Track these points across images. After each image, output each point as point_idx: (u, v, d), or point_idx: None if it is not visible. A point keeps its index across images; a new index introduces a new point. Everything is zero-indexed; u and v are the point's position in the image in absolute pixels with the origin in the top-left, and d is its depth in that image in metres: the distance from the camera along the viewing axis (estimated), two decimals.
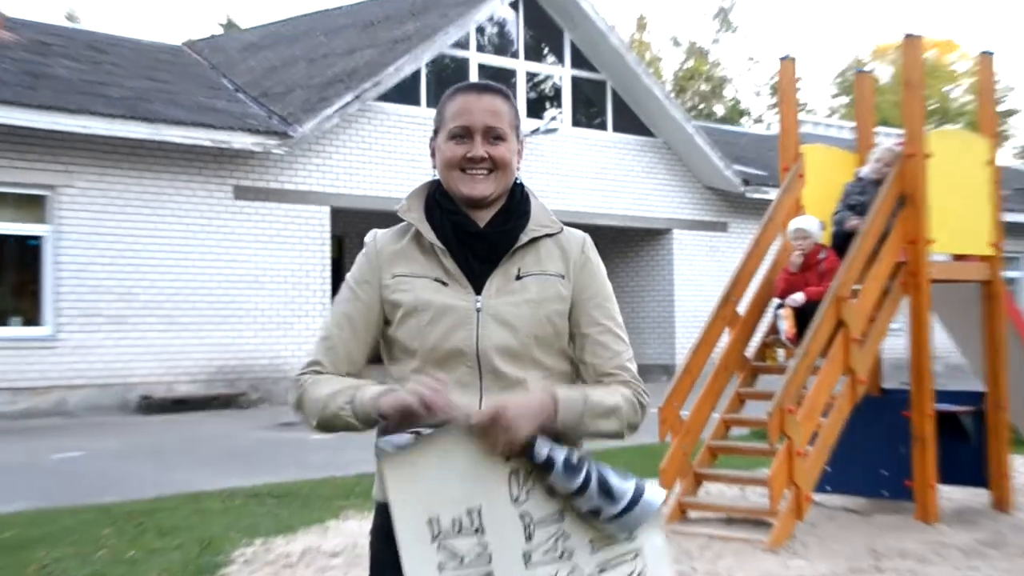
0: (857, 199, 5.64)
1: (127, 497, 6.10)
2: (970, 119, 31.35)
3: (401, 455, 1.56)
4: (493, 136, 1.69)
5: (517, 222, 1.72)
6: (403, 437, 1.56)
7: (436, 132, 1.75)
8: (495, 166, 1.70)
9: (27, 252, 11.19)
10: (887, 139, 6.04)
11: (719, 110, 35.02)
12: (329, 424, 1.65)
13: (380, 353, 1.76)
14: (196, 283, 11.89)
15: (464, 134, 1.69)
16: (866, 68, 6.95)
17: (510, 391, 1.65)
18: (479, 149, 1.68)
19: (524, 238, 1.71)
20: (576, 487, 1.56)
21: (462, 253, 1.69)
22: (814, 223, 5.59)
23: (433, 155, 1.76)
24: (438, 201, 1.72)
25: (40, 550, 4.69)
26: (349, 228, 15.14)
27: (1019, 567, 4.45)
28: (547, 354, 1.70)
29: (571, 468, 1.56)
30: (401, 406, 1.55)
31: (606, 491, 1.56)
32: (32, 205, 11.12)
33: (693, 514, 5.35)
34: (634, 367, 1.74)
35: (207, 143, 11.62)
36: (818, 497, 5.59)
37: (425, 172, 1.85)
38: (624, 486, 1.58)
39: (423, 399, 1.53)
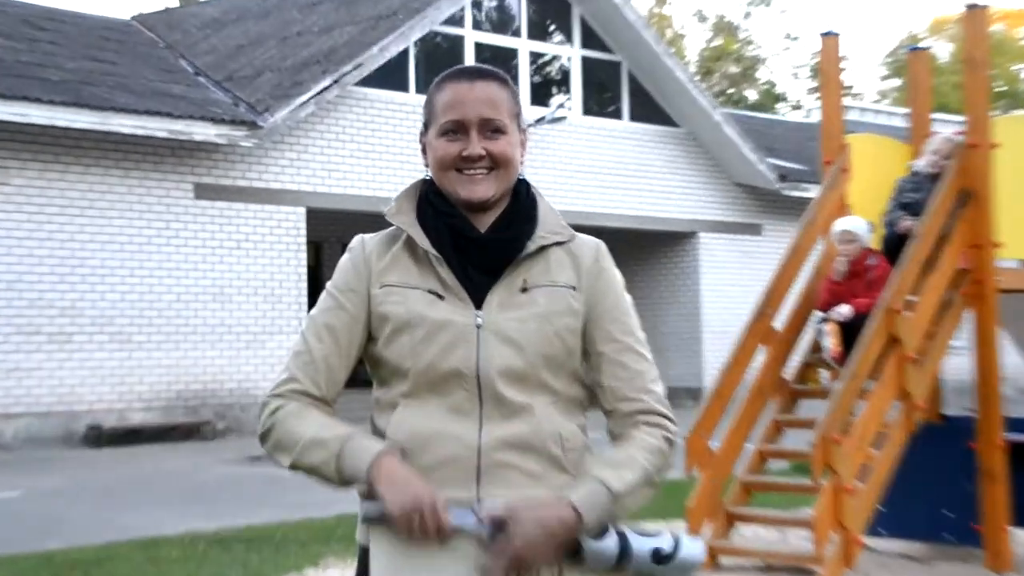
0: (911, 196, 5.65)
1: (72, 543, 6.09)
2: None
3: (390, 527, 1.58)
4: (491, 129, 1.70)
5: (523, 228, 1.73)
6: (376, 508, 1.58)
7: (426, 126, 1.76)
8: (495, 164, 1.71)
9: None
10: (946, 127, 6.05)
11: (751, 95, 35.13)
12: (304, 471, 1.67)
13: (358, 375, 1.78)
14: (152, 295, 11.92)
15: (457, 129, 1.70)
16: (921, 45, 6.96)
17: (514, 418, 1.66)
18: (475, 146, 1.69)
19: (531, 246, 1.72)
20: (613, 563, 1.56)
21: (460, 262, 1.70)
22: (862, 224, 5.60)
23: (424, 152, 1.77)
24: (432, 203, 1.73)
25: None
26: (328, 232, 15.18)
27: None
28: (556, 376, 1.71)
29: (600, 547, 1.57)
30: (399, 505, 1.56)
31: (654, 559, 1.56)
32: None
33: (725, 560, 5.33)
34: (660, 388, 1.75)
35: (163, 134, 11.66)
36: (870, 541, 5.58)
37: (416, 168, 1.86)
38: (661, 543, 1.58)
39: (421, 519, 1.54)
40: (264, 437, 1.70)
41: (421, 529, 1.56)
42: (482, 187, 1.71)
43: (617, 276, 1.78)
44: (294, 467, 1.68)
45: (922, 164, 5.69)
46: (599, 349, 1.73)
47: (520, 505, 1.59)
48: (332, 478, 1.64)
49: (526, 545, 1.56)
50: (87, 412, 11.54)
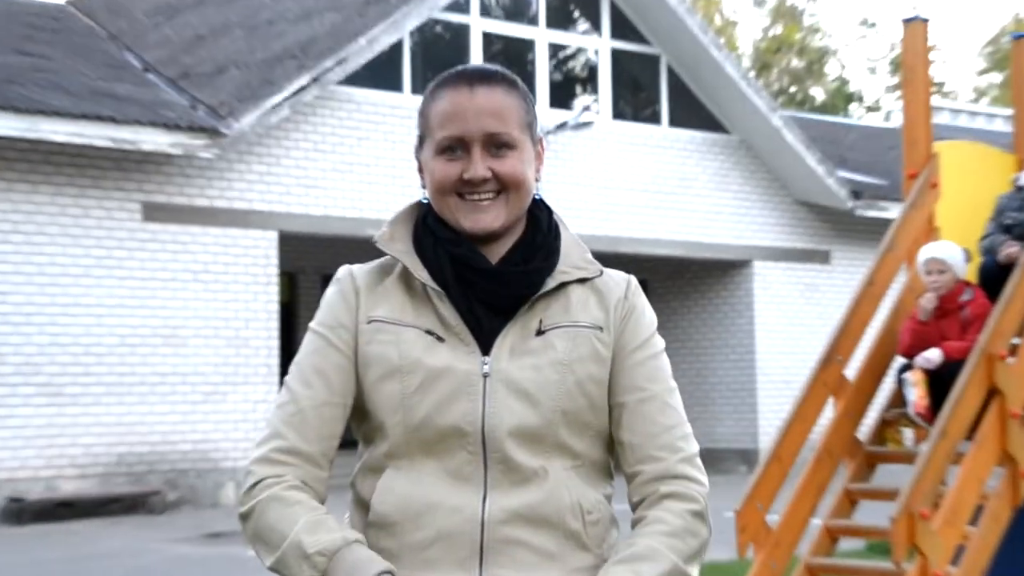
0: (1016, 216, 5.68)
1: None
2: None
3: None
4: (497, 145, 1.74)
5: (543, 262, 1.76)
6: None
7: (422, 141, 1.80)
8: (503, 187, 1.74)
9: None
10: None
11: (818, 94, 35.26)
12: (280, 569, 1.69)
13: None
14: (89, 338, 11.99)
15: (457, 146, 1.74)
16: None
17: (525, 486, 1.69)
18: (479, 167, 1.73)
19: (551, 283, 1.75)
20: None
21: (465, 298, 1.73)
22: (955, 252, 5.61)
23: (421, 172, 1.80)
24: (431, 229, 1.77)
25: None
26: (304, 262, 15.25)
27: None
28: (578, 436, 1.73)
29: None
30: None
31: None
32: None
33: None
34: (691, 447, 1.78)
35: (104, 143, 11.78)
36: None
37: (414, 183, 1.91)
38: None
39: None
40: (244, 518, 1.73)
41: None
42: (489, 215, 1.74)
43: (649, 315, 1.82)
44: (274, 571, 1.70)
45: None
46: (620, 400, 1.76)
47: None
48: None
49: None
50: (7, 481, 11.58)
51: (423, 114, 1.79)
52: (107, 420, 12.04)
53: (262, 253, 12.97)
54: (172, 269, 12.45)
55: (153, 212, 12.42)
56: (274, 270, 13.06)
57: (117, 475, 12.08)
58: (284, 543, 1.67)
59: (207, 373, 12.55)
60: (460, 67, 1.82)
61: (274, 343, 12.95)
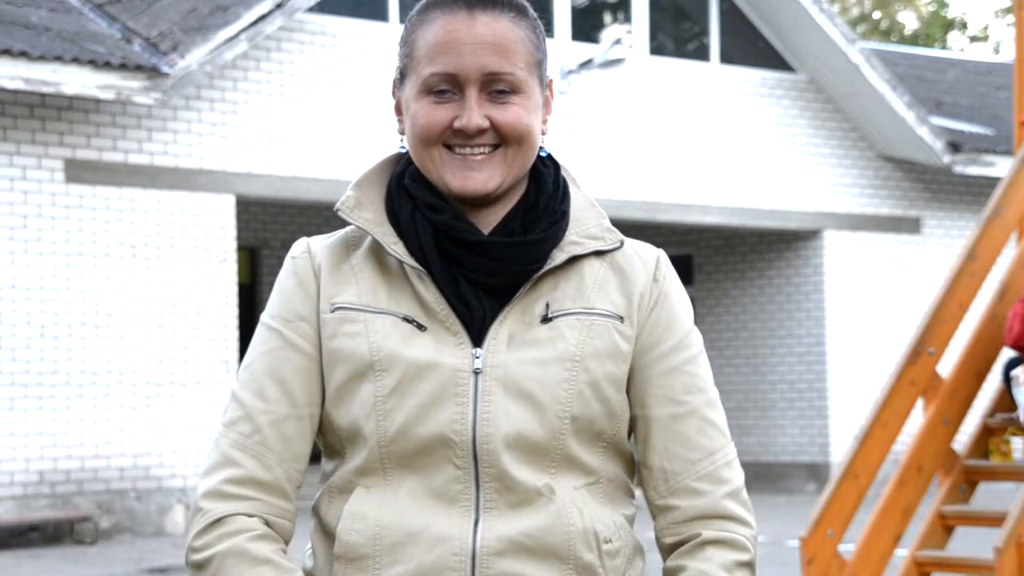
0: None
1: None
2: None
3: None
4: (498, 88, 1.73)
5: (548, 230, 1.76)
6: None
7: (402, 76, 1.79)
8: (503, 139, 1.74)
9: None
10: None
11: (908, 21, 35.19)
12: None
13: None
14: (2, 328, 12.06)
15: (448, 86, 1.73)
16: None
17: (527, 508, 1.70)
18: (474, 115, 1.72)
19: (559, 256, 1.75)
20: None
21: (451, 278, 1.73)
22: None
23: (400, 115, 1.80)
24: (409, 192, 1.77)
25: None
26: (268, 233, 15.33)
27: None
28: (591, 448, 1.74)
29: None
30: None
31: None
32: None
33: None
34: (738, 477, 1.78)
35: (16, 85, 11.82)
36: None
37: (391, 140, 1.91)
38: None
39: None
40: (197, 567, 1.73)
41: None
42: (482, 174, 1.74)
43: (685, 304, 1.81)
44: None
45: None
46: (649, 412, 1.76)
47: None
48: None
49: None
50: None
51: (407, 41, 1.78)
52: (24, 430, 12.12)
53: (216, 223, 13.03)
54: (104, 242, 12.52)
55: (79, 171, 12.48)
56: (231, 244, 13.14)
57: (38, 497, 12.17)
58: None
59: (149, 371, 12.63)
60: None
61: (232, 333, 13.03)
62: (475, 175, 1.73)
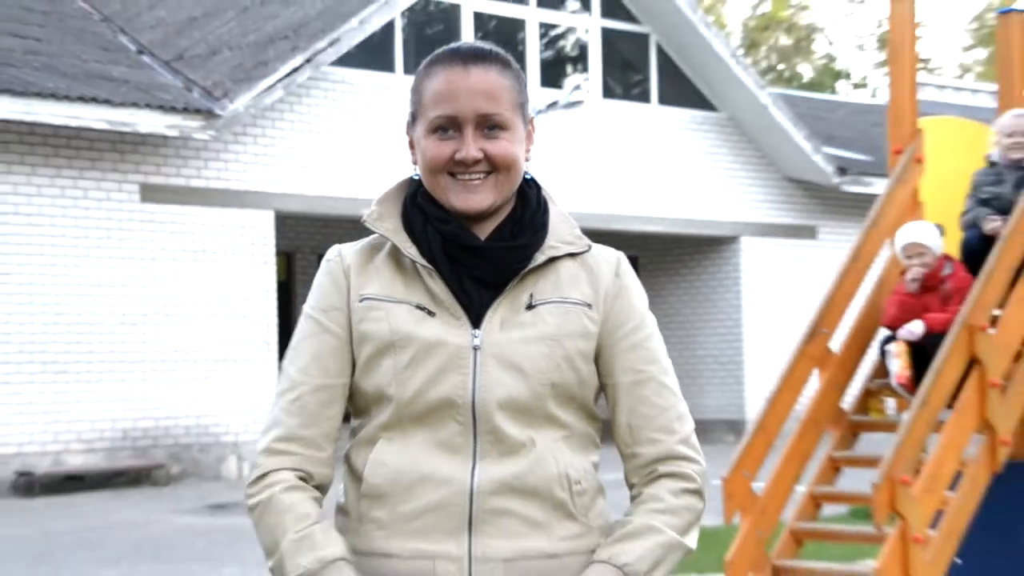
0: (991, 191, 5.67)
1: None
2: None
3: None
4: (489, 126, 1.74)
5: (531, 237, 1.77)
6: None
7: (414, 119, 1.79)
8: (494, 167, 1.75)
9: None
10: (1014, 110, 6.04)
11: (806, 72, 35.19)
12: (271, 571, 1.72)
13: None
14: (92, 317, 12.00)
15: (449, 126, 1.74)
16: (1014, 7, 6.95)
17: (513, 456, 1.71)
18: (471, 147, 1.73)
19: (540, 258, 1.76)
20: None
21: (455, 274, 1.74)
22: (931, 233, 5.59)
23: (412, 149, 1.80)
24: (421, 207, 1.78)
25: None
26: (301, 240, 15.26)
27: None
28: (565, 408, 1.75)
29: None
30: None
31: None
32: None
33: None
34: (687, 426, 1.79)
35: (101, 126, 11.77)
36: None
37: (405, 163, 1.92)
38: None
39: None
40: (251, 509, 1.75)
41: None
42: (479, 195, 1.74)
43: (640, 293, 1.82)
44: (272, 573, 1.73)
45: (998, 152, 5.72)
46: (616, 380, 1.77)
47: None
48: None
49: None
50: (16, 455, 11.62)
51: (416, 91, 1.78)
52: (111, 396, 12.07)
53: (259, 233, 12.97)
54: (171, 249, 12.46)
55: (151, 193, 12.42)
56: (271, 249, 13.07)
57: (122, 449, 12.12)
58: (275, 554, 1.71)
59: (208, 350, 12.57)
60: (455, 44, 1.81)
61: (272, 320, 12.97)
62: (473, 196, 1.75)
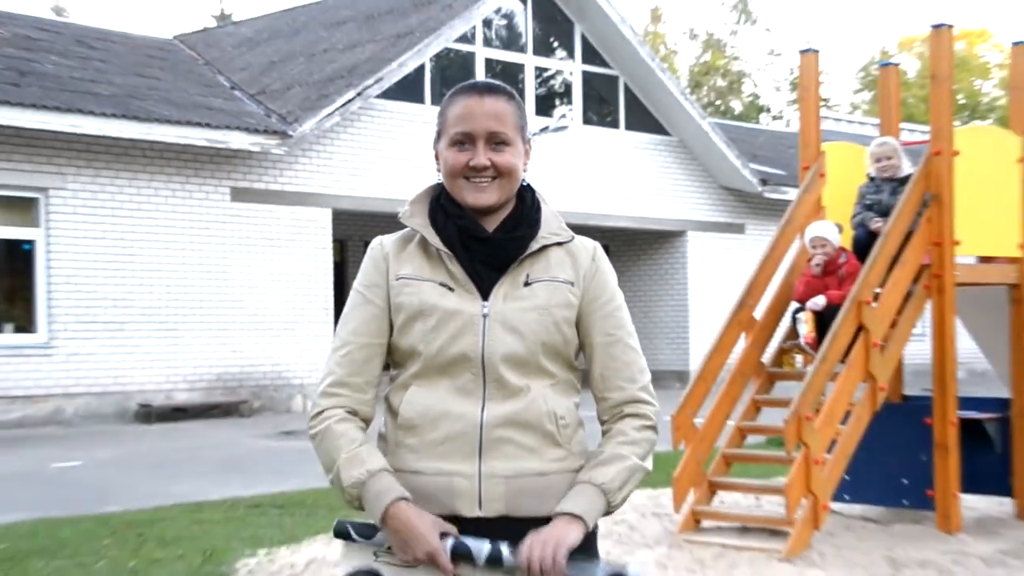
0: (873, 198, 5.69)
1: (127, 507, 6.18)
2: (1001, 114, 31.22)
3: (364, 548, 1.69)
4: (496, 142, 1.71)
5: (528, 229, 1.75)
6: (380, 537, 1.67)
7: (439, 136, 1.77)
8: (499, 173, 1.72)
9: (18, 257, 11.32)
10: (912, 135, 6.03)
11: (737, 107, 35.02)
12: (334, 488, 1.73)
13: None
14: (194, 288, 12.00)
15: (466, 140, 1.72)
16: (891, 61, 6.94)
17: (513, 399, 1.70)
18: (482, 157, 1.71)
19: (534, 246, 1.74)
20: None
21: (468, 259, 1.73)
22: (831, 229, 5.61)
23: (437, 159, 1.78)
24: (443, 206, 1.76)
25: (38, 561, 4.77)
26: (351, 231, 15.23)
27: None
28: (553, 362, 1.73)
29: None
30: (406, 554, 1.63)
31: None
32: (23, 208, 11.22)
33: (707, 523, 5.40)
34: (645, 377, 1.78)
35: (203, 143, 11.73)
36: (836, 506, 5.66)
37: (430, 172, 1.90)
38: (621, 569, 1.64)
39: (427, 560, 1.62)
40: (312, 437, 1.74)
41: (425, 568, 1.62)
42: (486, 194, 1.72)
43: (611, 274, 1.79)
44: (327, 477, 1.73)
45: (871, 170, 5.74)
46: (592, 341, 1.75)
47: (533, 535, 1.63)
48: (352, 503, 1.70)
49: (544, 547, 1.60)
50: (138, 392, 11.65)
51: (442, 114, 1.75)
52: (208, 348, 12.08)
53: (319, 225, 12.93)
54: (253, 237, 12.43)
55: (239, 194, 12.38)
56: (328, 239, 13.03)
57: (216, 388, 12.14)
58: (332, 469, 1.69)
59: (280, 314, 12.56)
60: (472, 80, 1.80)
61: (329, 292, 12.96)
62: (482, 195, 1.73)
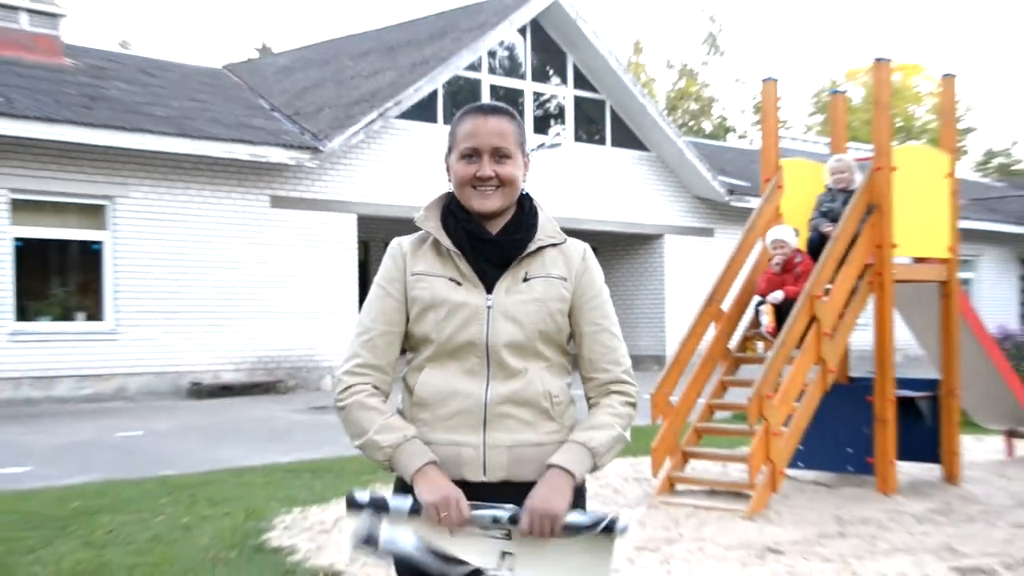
0: (829, 206, 5.71)
1: (181, 471, 6.22)
2: (932, 136, 31.24)
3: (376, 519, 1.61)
4: (500, 156, 1.71)
5: (526, 232, 1.74)
6: (405, 503, 1.61)
7: (450, 150, 1.77)
8: (502, 183, 1.72)
9: (89, 255, 11.35)
10: (855, 153, 6.03)
11: (707, 127, 34.95)
12: (363, 450, 1.69)
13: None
14: (238, 283, 12.01)
15: (473, 154, 1.71)
16: (840, 89, 6.94)
17: (513, 379, 1.69)
18: (487, 168, 1.70)
19: (532, 246, 1.74)
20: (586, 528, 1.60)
21: (475, 257, 1.72)
22: (790, 232, 5.64)
23: (448, 171, 1.78)
24: (453, 212, 1.75)
25: (106, 516, 4.81)
26: (373, 234, 15.23)
27: (964, 531, 4.52)
28: (548, 347, 1.73)
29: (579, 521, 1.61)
30: (432, 499, 1.58)
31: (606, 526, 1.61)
32: (93, 213, 11.26)
33: (680, 487, 5.42)
34: (627, 361, 1.77)
35: (246, 157, 11.73)
36: (791, 472, 5.71)
37: (442, 183, 1.89)
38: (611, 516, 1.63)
39: (448, 511, 1.58)
40: (340, 409, 1.72)
41: (446, 519, 1.58)
42: (491, 201, 1.71)
43: (599, 272, 1.79)
44: (358, 449, 1.70)
45: (829, 182, 5.76)
46: (582, 329, 1.75)
47: (529, 502, 1.61)
48: (385, 466, 1.67)
49: (543, 501, 1.60)
50: (190, 372, 11.66)
51: (452, 132, 1.74)
52: (250, 335, 12.09)
53: (346, 228, 12.92)
54: (288, 238, 12.42)
55: (277, 201, 12.38)
56: (354, 240, 13.02)
57: (257, 369, 12.15)
58: (365, 436, 1.66)
59: (311, 306, 12.55)
60: (479, 102, 1.80)
61: (355, 287, 12.96)
62: (487, 202, 1.72)
